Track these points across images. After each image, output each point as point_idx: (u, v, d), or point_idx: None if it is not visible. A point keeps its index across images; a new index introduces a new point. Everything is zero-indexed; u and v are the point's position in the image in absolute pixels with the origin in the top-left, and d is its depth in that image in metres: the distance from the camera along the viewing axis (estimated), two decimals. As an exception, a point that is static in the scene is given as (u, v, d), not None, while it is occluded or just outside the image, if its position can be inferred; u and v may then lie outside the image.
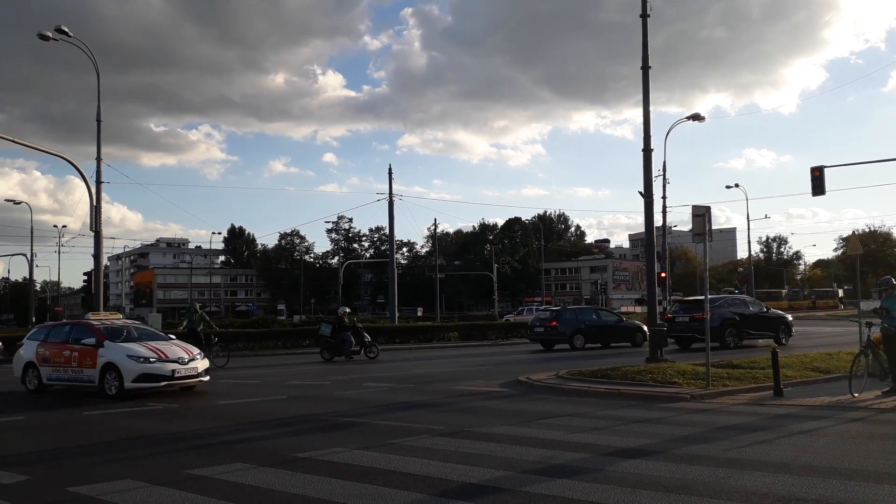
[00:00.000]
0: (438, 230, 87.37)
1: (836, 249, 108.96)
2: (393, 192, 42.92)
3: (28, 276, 66.02)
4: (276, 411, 11.45)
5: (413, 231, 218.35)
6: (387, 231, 48.77)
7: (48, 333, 15.42)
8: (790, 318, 26.34)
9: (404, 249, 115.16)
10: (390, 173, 43.35)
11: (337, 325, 23.36)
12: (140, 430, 9.78)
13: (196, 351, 14.52)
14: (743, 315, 24.18)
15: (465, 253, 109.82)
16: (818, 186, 24.67)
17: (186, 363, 13.79)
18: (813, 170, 24.90)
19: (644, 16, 18.39)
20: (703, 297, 25.28)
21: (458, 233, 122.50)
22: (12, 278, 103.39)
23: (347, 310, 25.09)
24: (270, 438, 9.10)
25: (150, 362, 13.36)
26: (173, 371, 13.48)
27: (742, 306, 25.04)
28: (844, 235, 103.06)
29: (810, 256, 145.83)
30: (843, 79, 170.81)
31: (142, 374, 13.23)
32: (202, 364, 14.21)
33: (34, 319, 60.75)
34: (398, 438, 8.57)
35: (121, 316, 16.72)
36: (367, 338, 23.62)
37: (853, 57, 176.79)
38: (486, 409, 11.33)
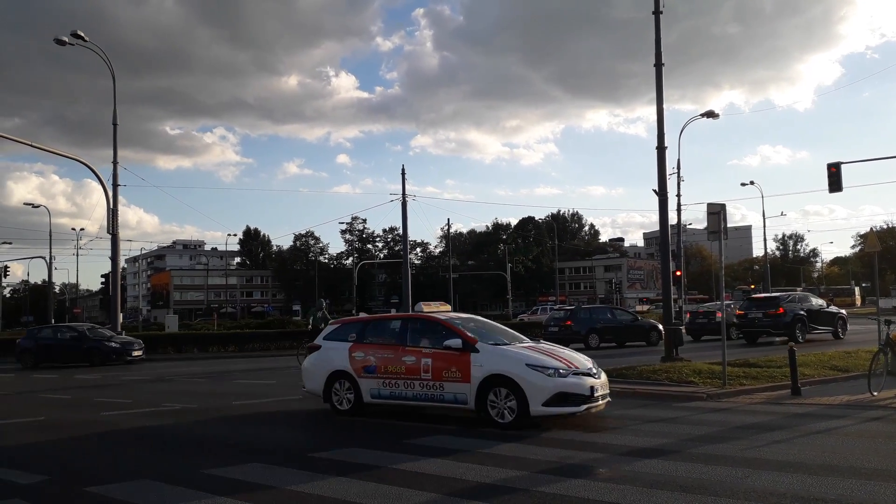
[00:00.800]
0: (452, 230, 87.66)
1: (853, 247, 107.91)
2: (406, 192, 43.04)
3: (47, 279, 66.87)
4: (291, 411, 11.49)
5: (426, 231, 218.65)
6: (400, 231, 48.93)
7: (362, 330, 11.21)
8: (845, 312, 27.83)
9: (418, 249, 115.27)
10: (403, 174, 43.47)
11: None
12: (157, 431, 9.85)
13: (590, 358, 10.20)
14: (809, 311, 25.24)
15: (479, 252, 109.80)
16: (835, 183, 24.44)
17: (597, 375, 9.68)
18: (830, 166, 24.66)
19: (657, 12, 18.29)
20: (775, 295, 28.05)
21: (472, 232, 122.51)
22: (32, 281, 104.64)
23: (424, 307, 25.14)
24: (285, 438, 9.15)
25: (562, 375, 9.25)
26: (592, 388, 9.36)
27: (808, 303, 26.16)
28: (862, 232, 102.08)
29: (827, 254, 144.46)
30: (859, 74, 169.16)
31: (558, 393, 9.10)
32: (605, 376, 10.11)
33: (53, 322, 61.54)
34: (413, 438, 8.58)
35: (449, 307, 12.31)
36: None
37: (869, 52, 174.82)
38: (501, 408, 11.28)
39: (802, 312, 24.67)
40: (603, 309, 31.30)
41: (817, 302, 26.89)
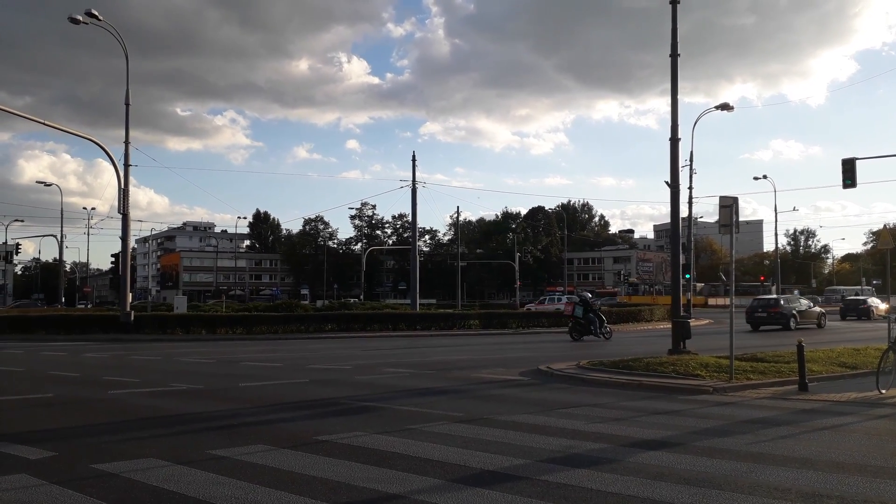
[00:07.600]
0: (461, 218, 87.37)
1: (865, 244, 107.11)
2: (416, 179, 42.93)
3: (58, 257, 67.43)
4: (297, 394, 11.54)
5: (435, 218, 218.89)
6: (409, 218, 48.84)
7: None
8: None
9: (426, 237, 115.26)
10: (413, 160, 43.32)
11: (585, 308, 25.73)
12: (163, 410, 9.91)
13: None
14: None
15: (488, 241, 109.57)
16: (850, 178, 24.17)
17: None
18: (844, 161, 24.40)
19: (674, 2, 18.10)
20: None
21: (481, 221, 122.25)
22: (43, 259, 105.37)
23: (590, 295, 27.65)
24: (291, 421, 9.19)
25: None
26: None
27: None
28: (874, 229, 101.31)
29: (838, 251, 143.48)
30: (873, 70, 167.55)
31: None
32: None
33: (63, 300, 62.03)
34: (417, 424, 8.60)
35: None
36: (604, 320, 26.32)
37: (885, 48, 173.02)
38: (506, 397, 11.32)
39: None
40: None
41: None
